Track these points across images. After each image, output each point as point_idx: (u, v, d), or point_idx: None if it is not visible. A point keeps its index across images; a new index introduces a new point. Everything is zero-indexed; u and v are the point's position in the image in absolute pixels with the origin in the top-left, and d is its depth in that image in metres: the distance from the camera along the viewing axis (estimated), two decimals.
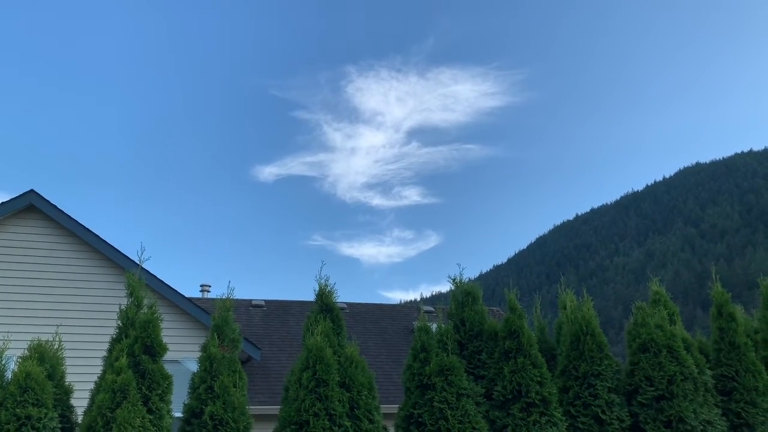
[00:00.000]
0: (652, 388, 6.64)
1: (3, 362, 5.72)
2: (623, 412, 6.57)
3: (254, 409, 7.74)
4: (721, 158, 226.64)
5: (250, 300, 18.35)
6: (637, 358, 6.89)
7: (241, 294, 17.94)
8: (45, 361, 5.82)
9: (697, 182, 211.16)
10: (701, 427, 6.48)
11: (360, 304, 19.26)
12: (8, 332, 8.33)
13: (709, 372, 7.06)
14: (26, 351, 5.90)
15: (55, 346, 6.15)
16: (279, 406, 6.22)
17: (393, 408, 7.52)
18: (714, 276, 8.14)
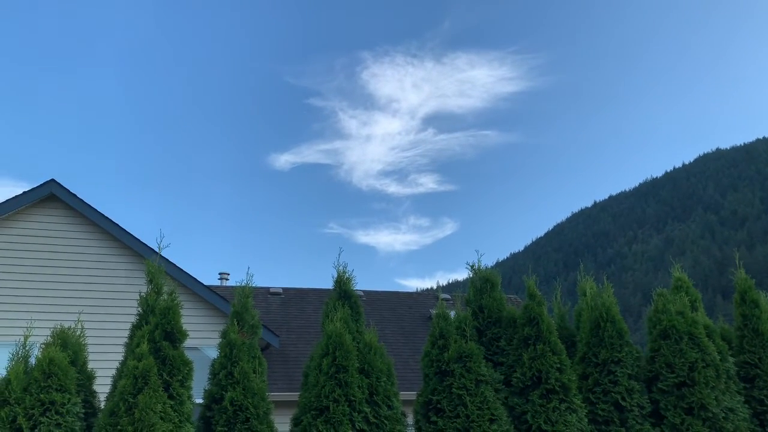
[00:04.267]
0: (673, 375, 6.57)
1: (27, 348, 5.79)
2: (643, 399, 6.51)
3: (273, 395, 7.80)
4: (742, 144, 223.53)
5: (268, 288, 18.45)
6: (658, 345, 6.83)
7: (259, 282, 17.98)
8: (68, 347, 5.88)
9: (718, 168, 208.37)
10: (723, 414, 6.41)
11: (377, 291, 19.29)
12: (31, 319, 8.46)
13: (731, 359, 6.98)
14: (49, 337, 5.97)
15: (78, 333, 6.21)
16: (297, 393, 6.26)
17: (411, 394, 7.54)
18: (737, 262, 8.02)
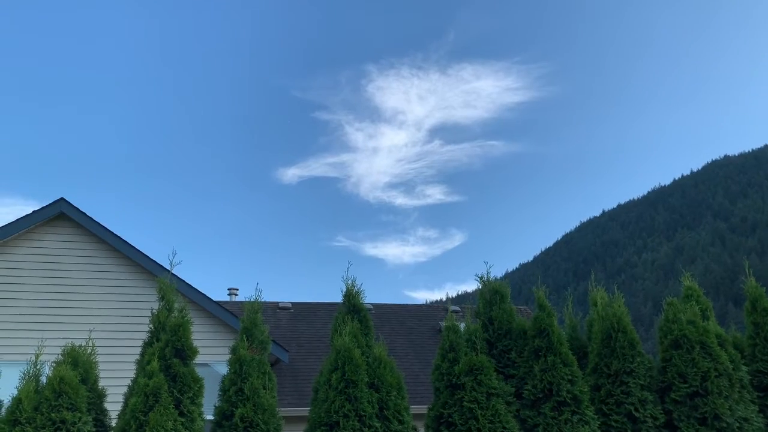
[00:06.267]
0: (686, 385, 6.52)
1: (38, 367, 5.82)
2: (657, 409, 6.46)
3: (283, 411, 7.79)
4: (750, 150, 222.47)
5: (277, 302, 18.45)
6: (670, 355, 6.78)
7: (268, 297, 17.93)
8: (78, 365, 5.90)
9: (726, 175, 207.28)
10: (737, 424, 6.34)
11: (386, 304, 19.25)
12: (42, 338, 8.49)
13: (744, 368, 6.91)
14: (60, 356, 5.99)
15: (89, 351, 6.23)
16: (308, 408, 6.24)
17: (421, 408, 7.49)
18: (747, 270, 7.97)
